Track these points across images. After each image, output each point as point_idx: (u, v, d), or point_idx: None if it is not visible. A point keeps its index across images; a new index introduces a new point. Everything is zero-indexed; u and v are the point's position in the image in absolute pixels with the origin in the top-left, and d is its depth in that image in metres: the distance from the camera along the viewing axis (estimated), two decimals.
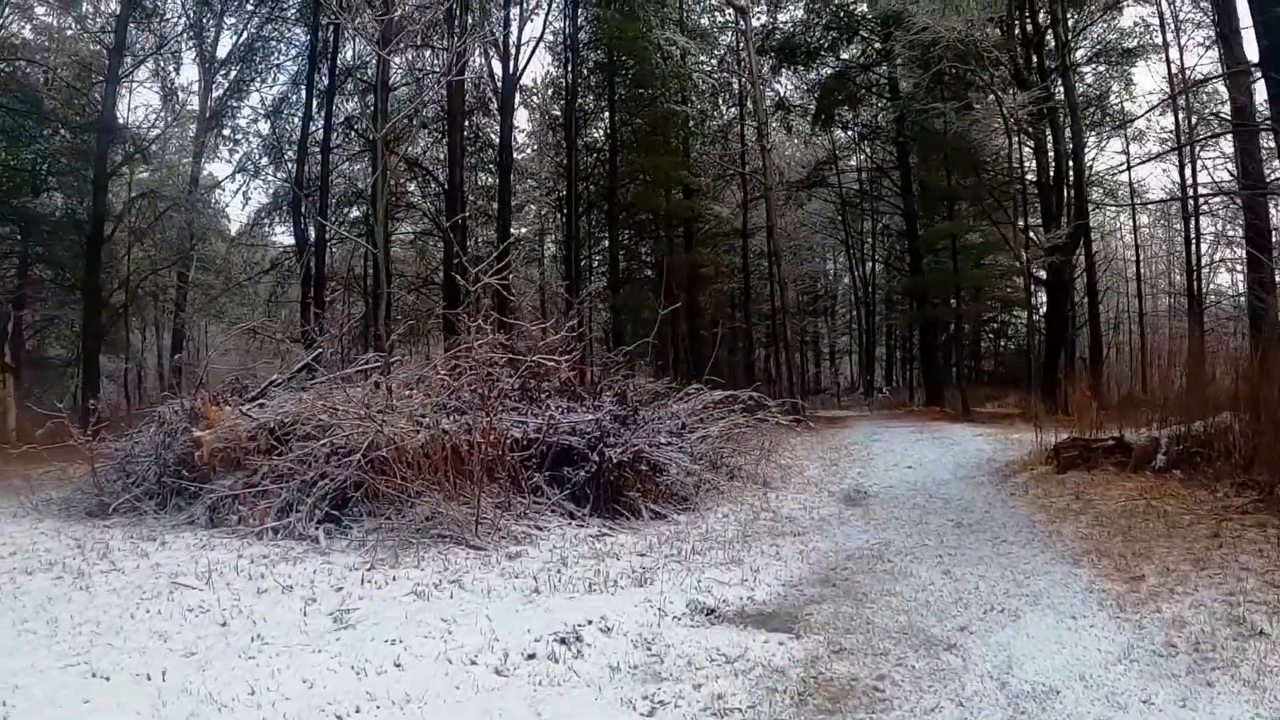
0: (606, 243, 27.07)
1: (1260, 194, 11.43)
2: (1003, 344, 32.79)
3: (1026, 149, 23.54)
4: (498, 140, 23.99)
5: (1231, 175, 22.08)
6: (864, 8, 25.68)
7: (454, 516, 6.79)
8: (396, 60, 22.01)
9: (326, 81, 22.71)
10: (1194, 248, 22.96)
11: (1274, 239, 12.03)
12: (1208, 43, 21.00)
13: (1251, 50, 11.31)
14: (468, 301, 9.75)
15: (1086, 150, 23.36)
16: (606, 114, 25.70)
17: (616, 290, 24.79)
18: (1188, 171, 23.09)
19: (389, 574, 5.82)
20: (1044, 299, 23.72)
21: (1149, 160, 23.73)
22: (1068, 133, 21.24)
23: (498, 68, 23.66)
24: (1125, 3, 22.71)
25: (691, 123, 25.50)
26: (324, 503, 7.41)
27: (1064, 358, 21.39)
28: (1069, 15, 22.08)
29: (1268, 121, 10.76)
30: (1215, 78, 12.80)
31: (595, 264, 28.39)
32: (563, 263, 25.21)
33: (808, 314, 36.73)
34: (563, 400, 8.99)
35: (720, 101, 28.23)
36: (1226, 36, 11.42)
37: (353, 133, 24.44)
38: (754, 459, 10.47)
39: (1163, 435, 9.53)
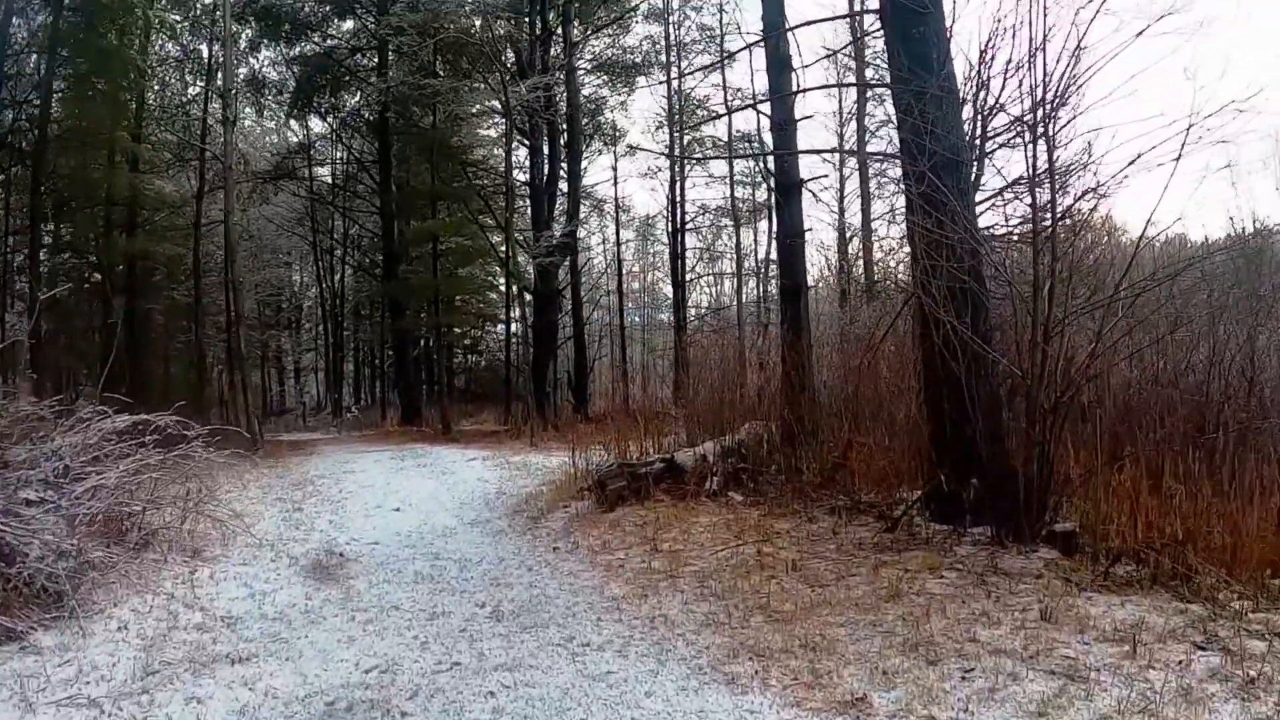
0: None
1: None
2: (473, 360, 32.48)
3: (519, 151, 23.25)
4: None
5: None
6: None
7: None
8: None
9: None
10: (681, 263, 24.86)
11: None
12: (709, 67, 23.16)
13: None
14: None
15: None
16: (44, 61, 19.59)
17: (35, 286, 18.53)
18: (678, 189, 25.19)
19: None
20: (521, 313, 23.35)
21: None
22: (563, 140, 21.24)
23: None
24: (634, 22, 23.75)
25: (148, 76, 20.66)
26: None
27: (554, 370, 21.14)
28: (576, 21, 22.29)
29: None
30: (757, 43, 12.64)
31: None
32: None
33: (269, 326, 32.96)
34: None
35: (186, 72, 23.55)
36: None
37: None
38: (181, 513, 7.42)
39: (709, 453, 8.67)
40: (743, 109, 21.32)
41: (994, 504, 5.90)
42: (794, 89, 10.94)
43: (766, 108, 11.98)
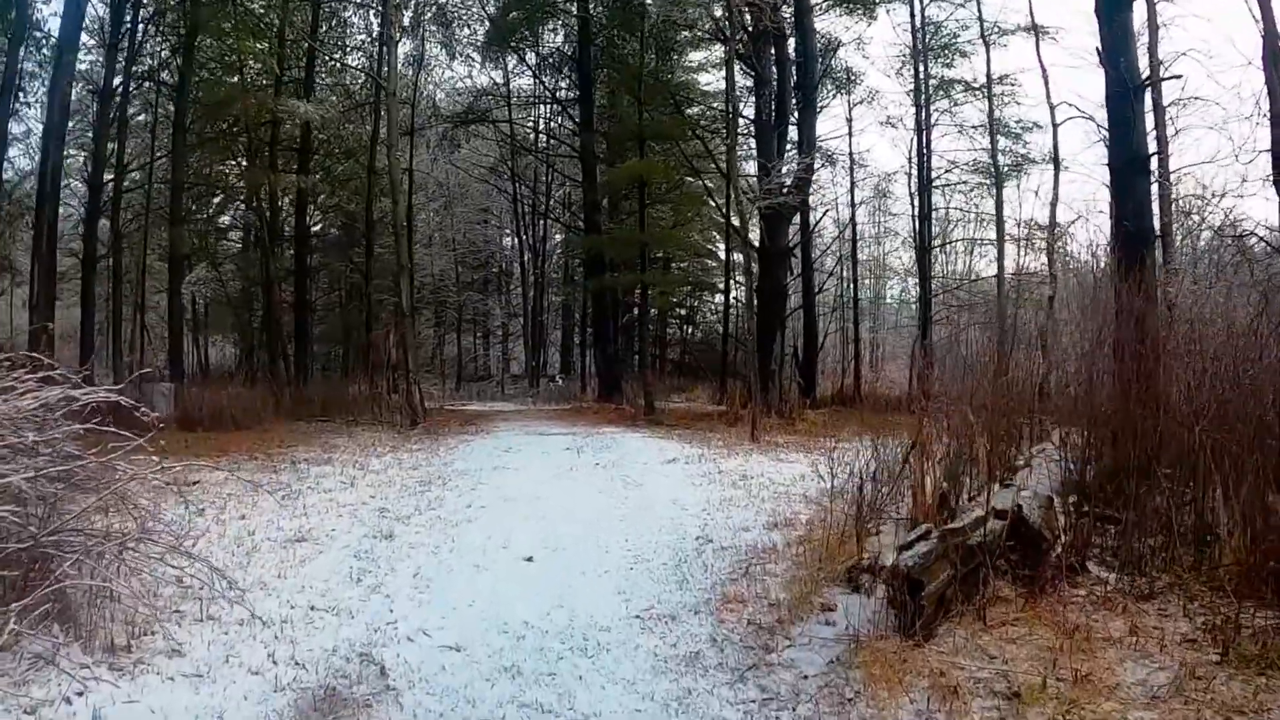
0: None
1: None
2: (689, 331, 29.29)
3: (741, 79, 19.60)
4: None
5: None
6: None
7: None
8: None
9: None
10: (927, 226, 20.99)
11: None
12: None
13: None
14: None
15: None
16: None
17: (176, 223, 16.90)
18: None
19: None
20: (747, 267, 19.37)
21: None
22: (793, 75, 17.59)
23: None
24: None
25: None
26: None
27: (780, 344, 17.21)
28: None
29: None
30: None
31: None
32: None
33: (470, 288, 31.22)
34: None
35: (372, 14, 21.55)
36: None
37: None
38: (106, 559, 4.03)
39: (1055, 493, 4.54)
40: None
41: None
42: None
43: None
